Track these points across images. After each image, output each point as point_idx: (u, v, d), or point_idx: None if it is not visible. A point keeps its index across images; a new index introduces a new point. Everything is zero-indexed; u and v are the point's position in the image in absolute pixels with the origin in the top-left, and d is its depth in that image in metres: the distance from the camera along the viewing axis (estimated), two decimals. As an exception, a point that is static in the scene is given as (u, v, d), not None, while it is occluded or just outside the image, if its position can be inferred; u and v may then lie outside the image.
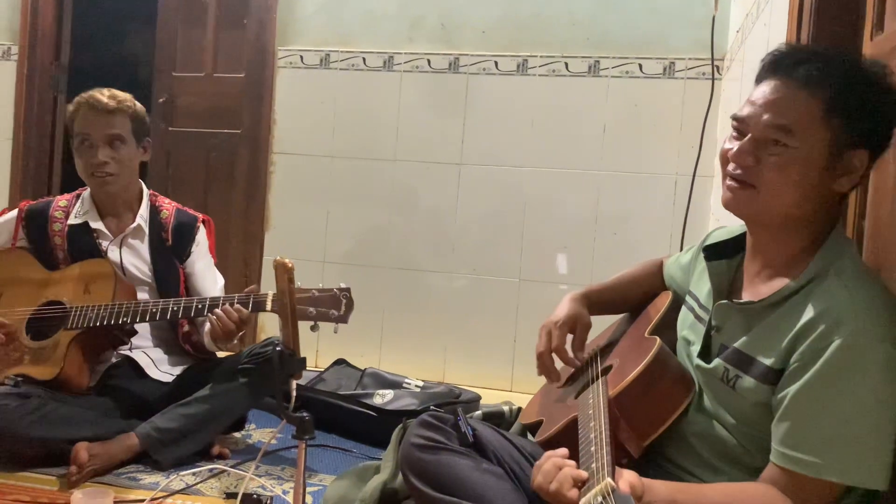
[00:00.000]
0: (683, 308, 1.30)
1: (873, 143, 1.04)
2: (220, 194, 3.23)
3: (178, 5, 3.33)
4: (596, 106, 2.81)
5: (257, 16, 3.11)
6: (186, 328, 2.13)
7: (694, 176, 2.70)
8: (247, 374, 1.98)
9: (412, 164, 2.98)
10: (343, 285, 1.84)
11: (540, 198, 2.87)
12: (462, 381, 2.80)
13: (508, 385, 2.88)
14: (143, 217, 2.13)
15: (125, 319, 1.90)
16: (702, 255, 1.25)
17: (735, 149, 1.07)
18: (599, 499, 0.86)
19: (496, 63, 2.90)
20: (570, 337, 1.44)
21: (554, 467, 1.00)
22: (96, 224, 2.09)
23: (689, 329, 1.23)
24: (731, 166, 1.09)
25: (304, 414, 1.29)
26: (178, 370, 2.11)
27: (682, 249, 1.58)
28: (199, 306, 1.89)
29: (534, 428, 1.37)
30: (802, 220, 1.07)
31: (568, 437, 1.15)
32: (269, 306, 1.87)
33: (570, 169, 2.84)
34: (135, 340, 2.06)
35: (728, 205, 1.11)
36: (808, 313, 0.99)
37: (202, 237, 2.19)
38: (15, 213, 2.13)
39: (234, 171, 3.19)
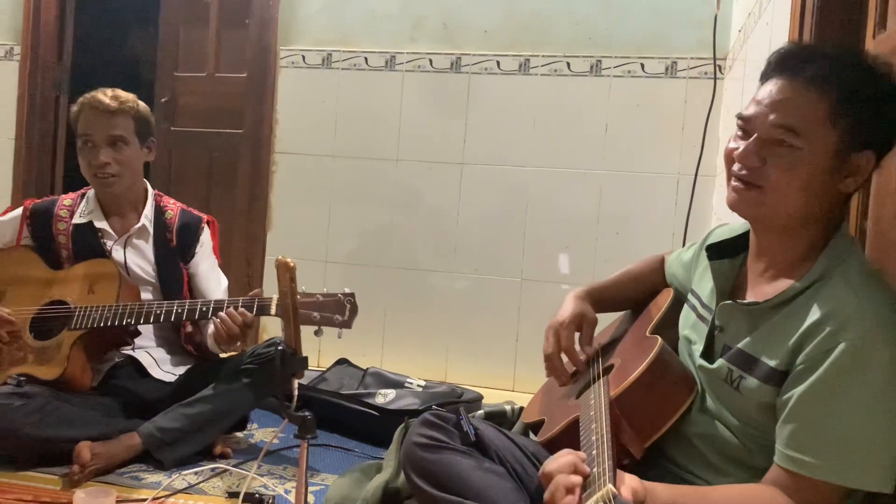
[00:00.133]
0: (685, 306, 1.29)
1: (879, 144, 1.04)
2: (222, 194, 3.24)
3: (180, 5, 3.34)
4: (598, 105, 2.81)
5: (259, 15, 3.11)
6: (189, 329, 2.13)
7: (696, 175, 2.70)
8: (249, 374, 1.98)
9: (414, 163, 2.98)
10: (347, 290, 1.84)
11: (542, 197, 2.87)
12: (464, 381, 2.80)
13: (510, 385, 2.88)
14: (147, 217, 2.13)
15: (129, 321, 1.90)
16: (704, 253, 1.25)
17: (740, 149, 1.07)
18: None
19: (498, 63, 2.90)
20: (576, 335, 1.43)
21: (565, 467, 0.97)
22: (101, 224, 2.09)
23: (691, 328, 1.23)
24: (736, 166, 1.08)
25: (306, 413, 1.29)
26: (180, 370, 2.11)
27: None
28: (204, 309, 1.89)
29: (536, 427, 1.37)
30: (808, 221, 1.06)
31: (569, 438, 1.14)
32: (273, 310, 1.86)
33: (572, 168, 2.84)
34: (137, 340, 2.07)
35: (733, 206, 1.10)
36: (814, 315, 0.99)
37: (206, 238, 2.19)
38: (19, 211, 2.13)
39: (236, 171, 3.19)
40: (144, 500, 1.69)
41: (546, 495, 0.95)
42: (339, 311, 1.82)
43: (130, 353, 2.07)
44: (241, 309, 1.86)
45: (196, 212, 2.22)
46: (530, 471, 1.28)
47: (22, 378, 1.88)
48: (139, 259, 2.11)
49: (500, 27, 2.89)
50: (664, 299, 1.41)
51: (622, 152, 2.79)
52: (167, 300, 2.01)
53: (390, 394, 2.40)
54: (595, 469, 0.93)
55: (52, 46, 3.40)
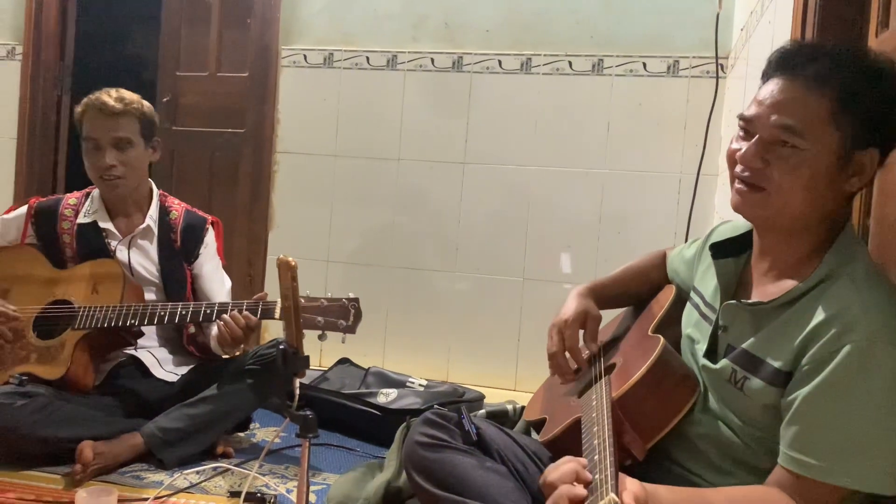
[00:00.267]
0: (688, 304, 1.29)
1: (883, 142, 1.03)
2: (224, 194, 3.24)
3: (182, 5, 3.34)
4: (600, 105, 2.81)
5: (261, 15, 3.11)
6: (192, 330, 2.13)
7: (698, 175, 2.70)
8: (252, 375, 1.98)
9: (416, 163, 2.98)
10: (352, 295, 1.83)
11: (544, 197, 2.86)
12: (466, 381, 2.80)
13: (512, 384, 2.87)
14: (152, 218, 2.13)
15: (133, 322, 1.90)
16: (707, 251, 1.24)
17: (742, 150, 1.06)
18: None
19: (500, 62, 2.90)
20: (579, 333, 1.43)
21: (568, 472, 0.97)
22: (105, 224, 2.09)
23: (694, 327, 1.22)
24: (738, 168, 1.07)
25: (308, 412, 1.29)
26: (183, 370, 2.11)
27: (686, 245, 1.57)
28: (208, 311, 1.89)
29: (537, 425, 1.37)
30: (812, 221, 1.06)
31: (571, 439, 1.14)
32: (277, 314, 1.86)
33: (574, 168, 2.84)
34: (140, 340, 2.06)
35: (737, 208, 1.09)
36: (819, 316, 0.98)
37: (211, 239, 2.19)
38: (24, 209, 2.12)
39: (237, 171, 3.19)
40: (146, 499, 1.70)
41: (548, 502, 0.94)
42: (343, 316, 1.81)
43: (133, 352, 2.07)
44: (245, 312, 1.86)
45: (201, 213, 2.22)
46: (532, 470, 1.28)
47: (24, 377, 1.88)
48: (143, 259, 2.11)
49: (501, 26, 2.89)
50: (666, 297, 1.40)
51: (624, 152, 2.79)
52: (170, 301, 2.02)
53: (392, 393, 2.40)
54: (597, 476, 0.92)
55: (54, 46, 3.40)
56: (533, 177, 2.87)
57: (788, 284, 1.06)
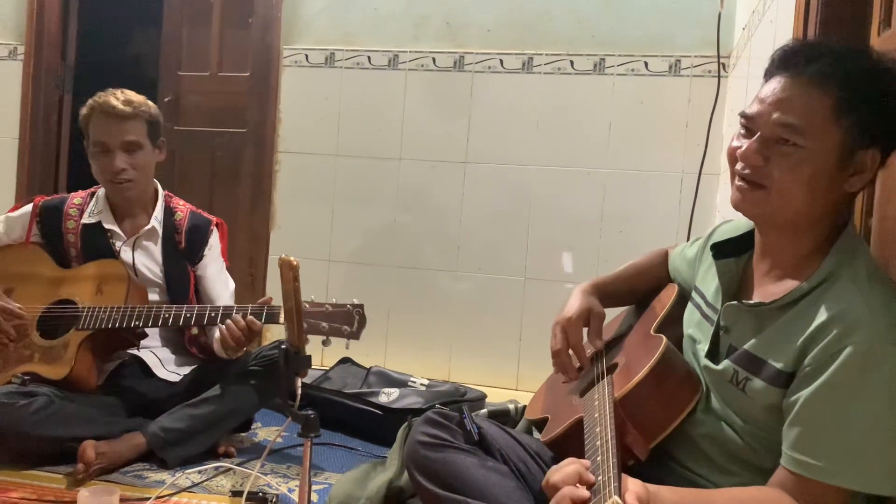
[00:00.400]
0: (689, 304, 1.28)
1: (885, 141, 1.03)
2: (226, 193, 3.24)
3: (184, 5, 3.34)
4: (601, 104, 2.80)
5: (262, 15, 3.11)
6: (194, 331, 2.13)
7: (700, 174, 2.69)
8: (255, 376, 1.98)
9: (417, 162, 2.98)
10: (356, 301, 1.82)
11: (545, 196, 2.86)
12: (467, 380, 2.80)
13: (514, 384, 2.87)
14: (157, 219, 2.12)
15: (137, 323, 1.90)
16: (709, 251, 1.24)
17: (743, 147, 1.06)
18: None
19: (501, 61, 2.89)
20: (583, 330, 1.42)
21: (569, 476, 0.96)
22: (110, 224, 2.08)
23: (696, 327, 1.22)
24: (739, 165, 1.07)
25: (310, 412, 1.29)
26: (185, 370, 2.11)
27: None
28: (213, 315, 1.89)
29: (539, 424, 1.37)
30: (813, 220, 1.06)
31: (573, 439, 1.14)
32: (282, 319, 1.85)
33: (576, 167, 2.84)
34: (143, 340, 2.06)
35: (738, 205, 1.09)
36: (821, 316, 0.98)
37: (215, 241, 2.18)
38: (29, 207, 2.12)
39: (239, 170, 3.19)
40: (148, 498, 1.70)
41: None
42: (347, 321, 1.80)
43: (135, 352, 2.07)
44: (249, 317, 1.86)
45: (206, 214, 2.21)
46: (534, 469, 1.28)
47: (26, 377, 1.88)
48: (147, 260, 2.10)
49: (503, 26, 2.89)
50: (668, 295, 1.40)
51: (626, 151, 2.79)
52: (174, 302, 2.02)
53: (394, 393, 2.40)
54: (600, 477, 0.92)
55: (56, 46, 3.40)
56: (534, 176, 2.87)
57: (790, 285, 1.06)
